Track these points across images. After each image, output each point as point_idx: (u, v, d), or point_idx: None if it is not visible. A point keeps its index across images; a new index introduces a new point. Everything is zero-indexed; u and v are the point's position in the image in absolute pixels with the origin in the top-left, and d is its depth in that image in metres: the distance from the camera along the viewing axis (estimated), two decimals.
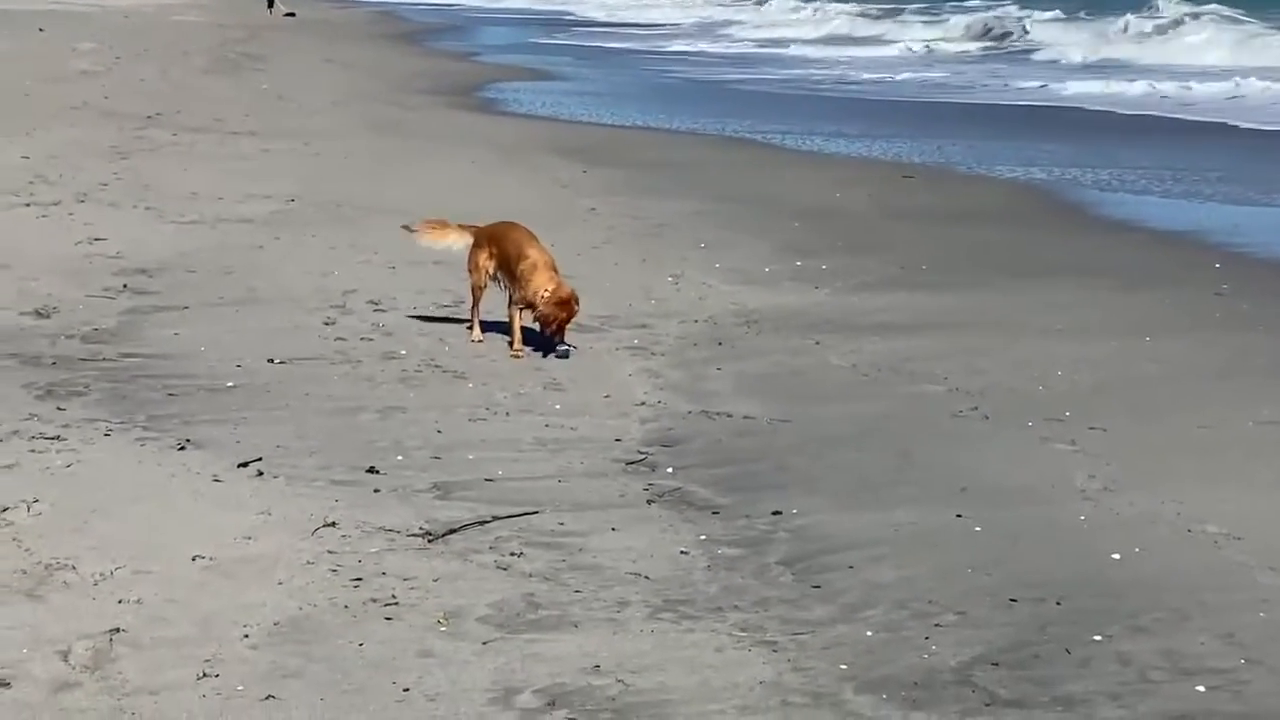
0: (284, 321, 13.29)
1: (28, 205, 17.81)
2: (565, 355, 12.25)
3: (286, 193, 19.45)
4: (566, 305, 12.21)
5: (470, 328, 12.92)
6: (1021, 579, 7.99)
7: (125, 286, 14.21)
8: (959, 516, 8.89)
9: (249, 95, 30.65)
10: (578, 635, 7.15)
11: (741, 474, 9.71)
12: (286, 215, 18.07)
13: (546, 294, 12.17)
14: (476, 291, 12.82)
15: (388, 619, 7.19)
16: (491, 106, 32.33)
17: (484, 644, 6.99)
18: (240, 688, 6.45)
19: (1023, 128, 30.15)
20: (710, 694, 6.60)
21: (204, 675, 6.54)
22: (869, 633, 7.30)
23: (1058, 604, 7.68)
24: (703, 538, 8.56)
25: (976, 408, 11.19)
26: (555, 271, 12.45)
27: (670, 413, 11.04)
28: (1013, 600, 7.70)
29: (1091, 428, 10.65)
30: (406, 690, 6.50)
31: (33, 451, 9.35)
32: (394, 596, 7.45)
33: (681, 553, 8.31)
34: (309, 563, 7.82)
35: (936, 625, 7.38)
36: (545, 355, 12.33)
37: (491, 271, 12.64)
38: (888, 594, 7.76)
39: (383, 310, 13.74)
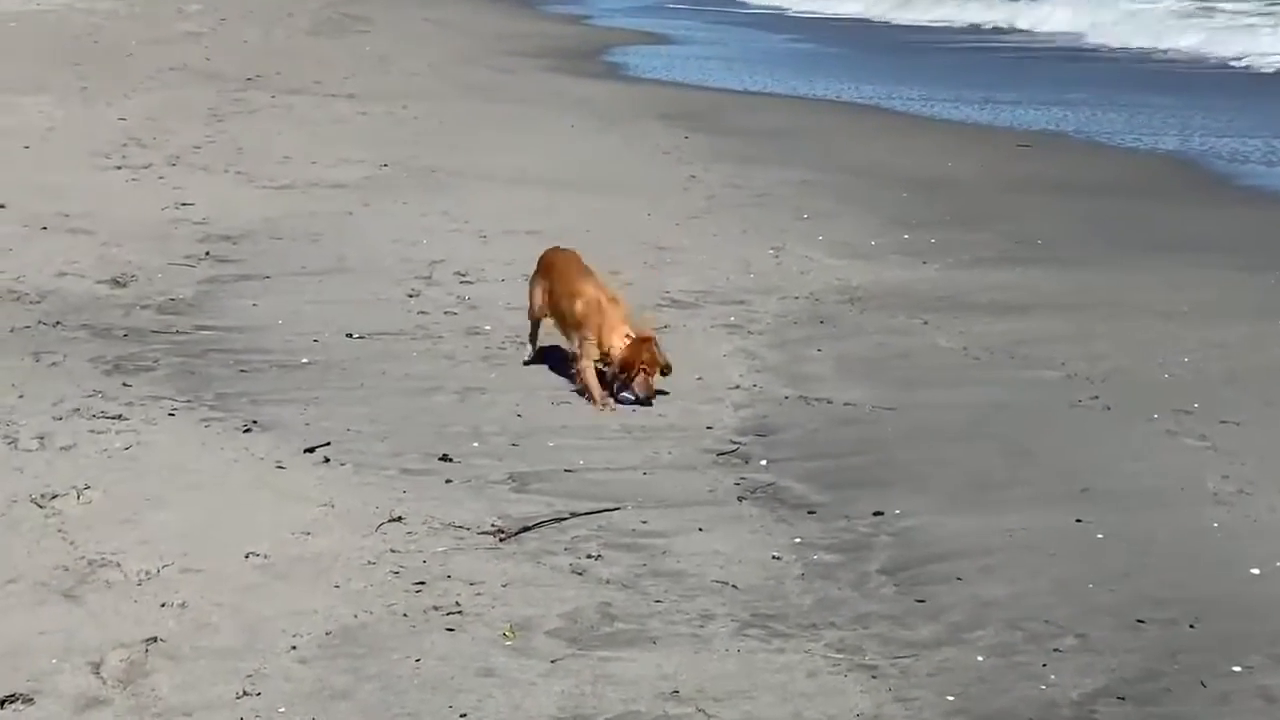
0: (367, 293, 12.74)
1: (118, 168, 17.41)
2: (630, 401, 10.05)
3: (380, 158, 18.93)
4: (647, 346, 10.04)
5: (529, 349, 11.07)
6: (1149, 596, 7.24)
7: (208, 254, 13.74)
8: (1079, 521, 8.14)
9: (350, 57, 30.18)
10: (656, 653, 6.49)
11: (841, 468, 9.02)
12: (379, 181, 17.54)
13: (623, 340, 10.05)
14: (530, 330, 11.10)
15: (449, 630, 6.58)
16: (598, 71, 31.69)
17: (553, 662, 6.35)
18: (282, 709, 5.87)
19: (1155, 89, 29.05)
20: None
21: (244, 694, 5.96)
22: (979, 658, 6.59)
23: (1190, 627, 6.93)
24: (797, 541, 7.88)
25: (1097, 397, 10.41)
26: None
27: (766, 398, 10.35)
28: (1140, 622, 6.96)
29: (1223, 421, 9.86)
30: (463, 716, 5.89)
31: (92, 432, 8.84)
32: (458, 604, 6.83)
33: (773, 558, 7.64)
34: (369, 563, 7.22)
35: (1055, 650, 6.66)
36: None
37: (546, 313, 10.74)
38: (999, 612, 7.04)
39: (470, 282, 13.16)
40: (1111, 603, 7.16)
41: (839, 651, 6.61)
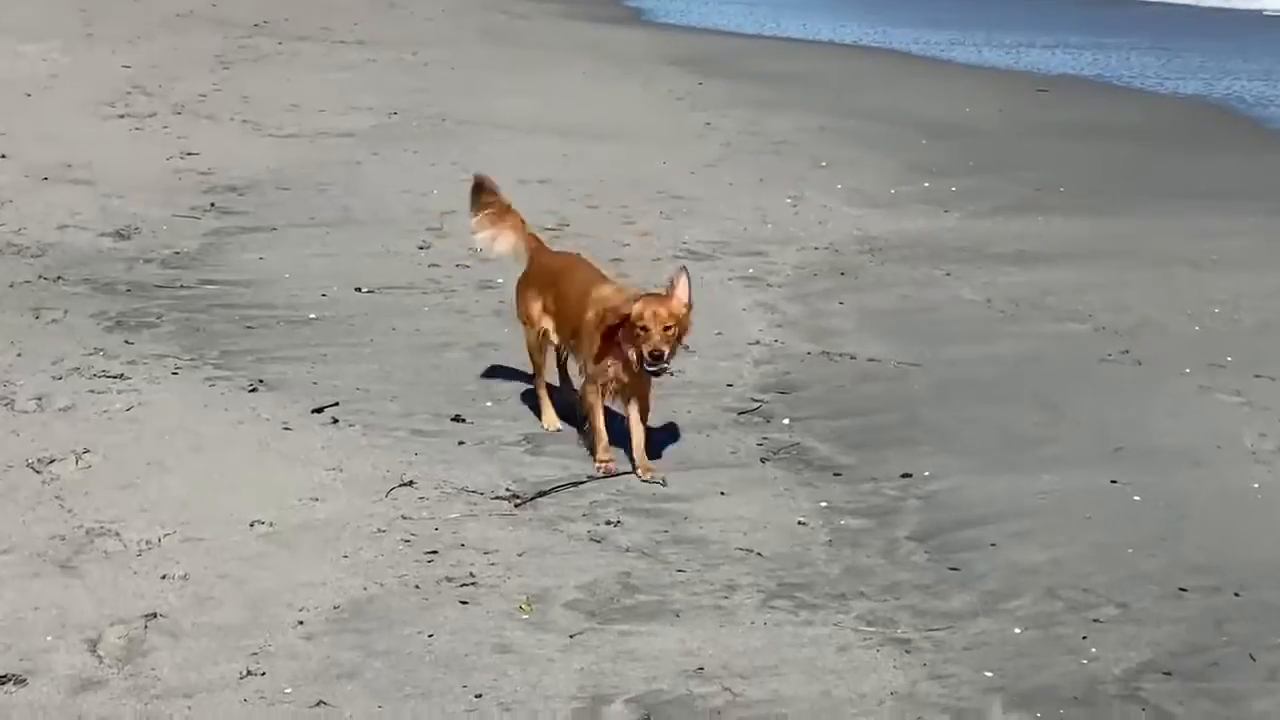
0: (376, 245, 12.43)
1: (122, 117, 17.07)
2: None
3: (390, 105, 18.59)
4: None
5: (541, 411, 8.57)
6: (1190, 562, 6.94)
7: (213, 205, 13.43)
8: (1114, 483, 7.84)
9: (359, 2, 29.74)
10: (679, 627, 6.20)
11: (867, 427, 8.71)
12: (388, 129, 17.19)
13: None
14: (534, 357, 8.63)
15: (463, 603, 6.29)
16: (616, 16, 31.28)
17: (571, 637, 6.07)
18: (288, 690, 5.58)
19: (1183, 33, 28.57)
20: (832, 708, 5.65)
21: (248, 673, 5.67)
22: (1017, 630, 6.30)
23: (1235, 595, 6.63)
24: (823, 505, 7.58)
25: (1127, 351, 10.10)
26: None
27: (787, 354, 10.05)
28: (1182, 590, 6.66)
29: (1258, 375, 9.56)
30: (479, 697, 5.60)
31: (92, 392, 8.54)
32: (472, 575, 6.55)
33: (799, 523, 7.34)
34: (379, 531, 6.93)
35: (1095, 621, 6.36)
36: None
37: (547, 330, 8.49)
38: (1037, 580, 6.75)
39: None
40: (1152, 569, 6.86)
41: (869, 624, 6.32)
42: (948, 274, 12.05)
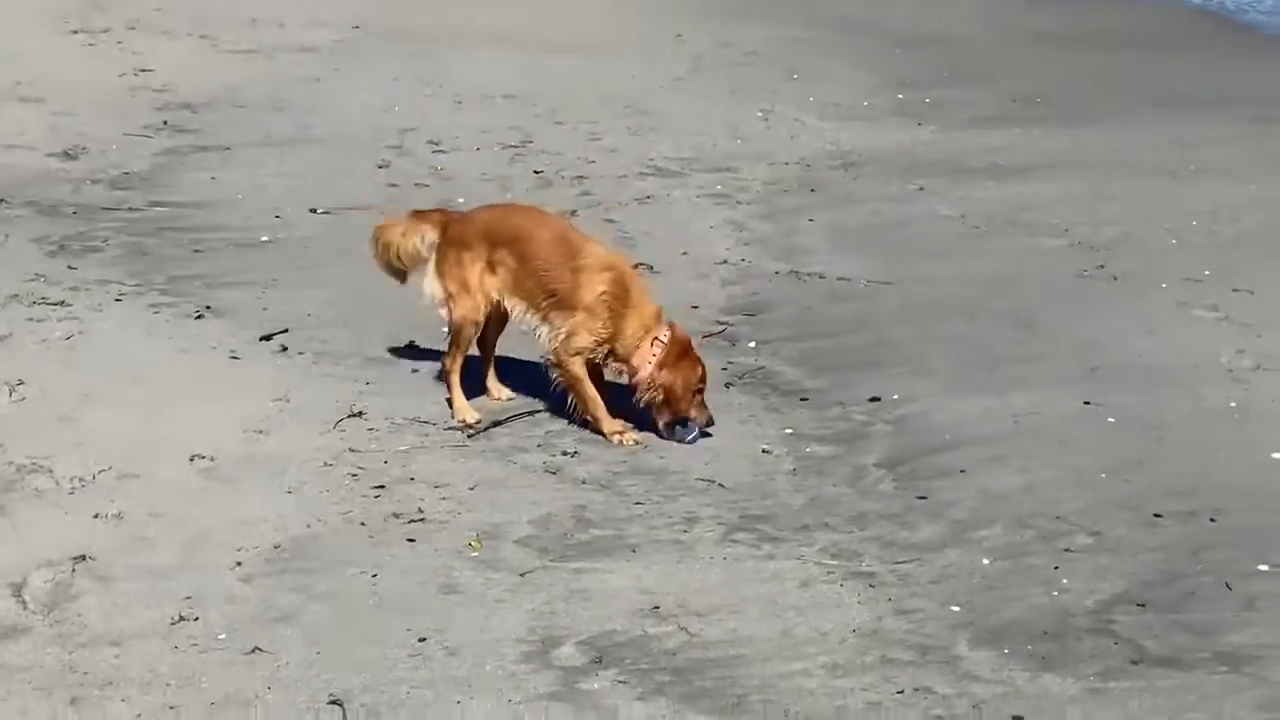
0: (334, 164, 12.07)
1: (75, 33, 16.59)
2: (696, 439, 7.22)
3: (352, 18, 18.10)
4: (692, 358, 7.23)
5: (452, 400, 7.44)
6: (1165, 486, 6.70)
7: (166, 124, 13.04)
8: (1088, 404, 7.59)
9: None
10: (635, 563, 5.95)
11: (835, 349, 8.44)
12: (349, 44, 16.74)
13: (654, 348, 7.18)
14: (465, 332, 7.47)
15: (410, 541, 6.03)
16: None
17: (521, 576, 5.81)
18: (222, 636, 5.33)
19: None
20: (793, 647, 5.40)
21: (180, 619, 5.41)
22: (986, 561, 6.06)
23: (1211, 521, 6.40)
24: (788, 432, 7.32)
25: (1103, 266, 9.83)
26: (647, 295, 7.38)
27: (756, 273, 9.76)
28: (1157, 516, 6.42)
29: (1235, 289, 9.30)
30: (422, 640, 5.35)
31: (31, 320, 8.24)
32: (421, 510, 6.28)
33: (763, 452, 7.08)
34: (326, 465, 6.66)
35: (1067, 551, 6.13)
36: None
37: (496, 297, 7.42)
38: (1007, 507, 6.50)
39: (443, 151, 12.50)
40: (1126, 495, 6.62)
41: (834, 557, 6.07)
42: (921, 189, 11.75)
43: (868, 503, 6.56)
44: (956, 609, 5.67)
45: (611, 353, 7.24)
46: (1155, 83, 15.53)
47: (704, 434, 7.16)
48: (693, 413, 7.15)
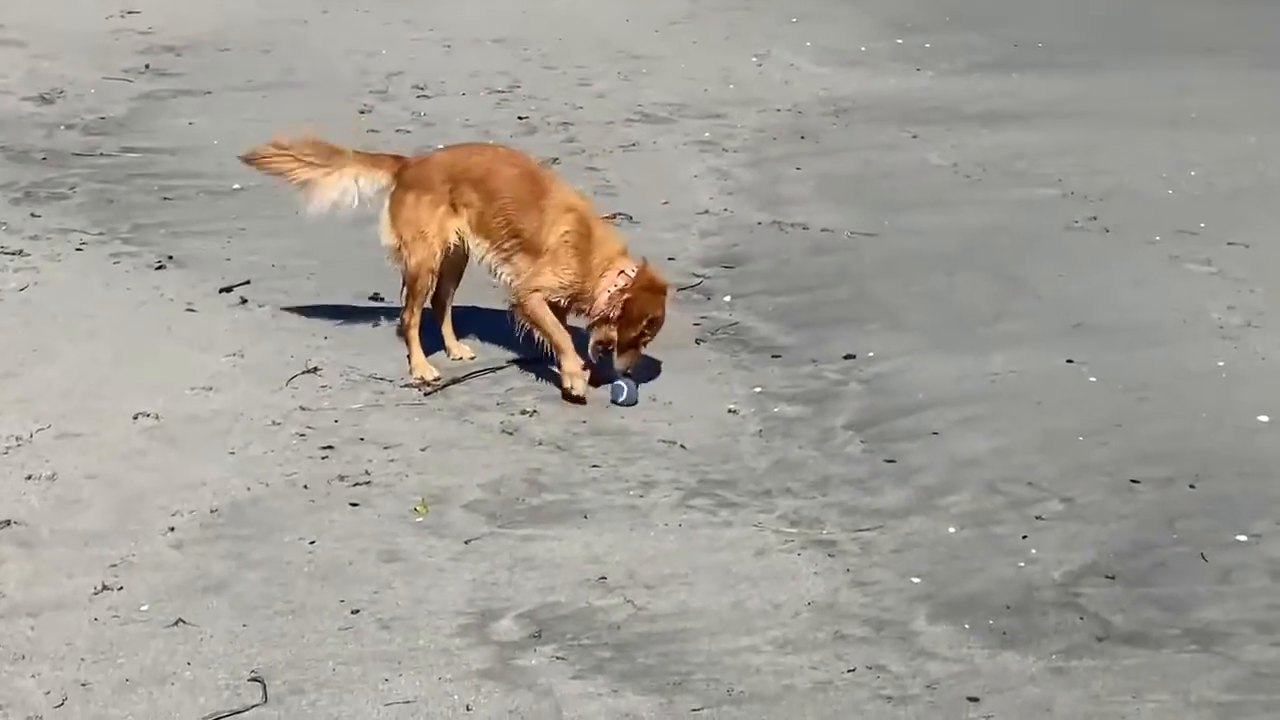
0: (315, 110, 11.76)
1: None
2: (626, 399, 6.95)
3: None
4: (659, 295, 7.03)
5: (410, 356, 7.17)
6: (1144, 451, 6.46)
7: (147, 67, 12.77)
8: (1069, 363, 7.34)
9: None
10: (586, 530, 5.73)
11: (813, 303, 8.20)
12: None
13: (619, 279, 6.96)
14: (421, 281, 7.16)
15: (353, 505, 5.81)
16: None
17: (466, 543, 5.60)
18: (145, 607, 5.12)
19: None
20: (743, 621, 5.18)
21: (103, 588, 5.20)
22: (951, 529, 5.83)
23: (1191, 487, 6.15)
24: (757, 391, 7.09)
25: (1095, 217, 9.55)
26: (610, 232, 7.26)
27: (737, 224, 9.50)
28: (1134, 482, 6.18)
29: (1230, 243, 9.02)
30: (355, 613, 5.14)
31: None
32: (367, 473, 6.06)
33: (729, 412, 6.85)
34: (274, 424, 6.44)
35: (1037, 519, 5.89)
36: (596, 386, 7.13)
37: (456, 241, 7.16)
38: (977, 472, 6.27)
39: (427, 96, 12.22)
40: (1103, 459, 6.38)
41: (793, 524, 5.84)
42: (914, 137, 11.45)
43: (833, 466, 6.33)
44: (917, 580, 5.45)
45: (576, 294, 7.00)
46: (1159, 27, 15.17)
47: (632, 397, 6.87)
48: (621, 359, 6.87)
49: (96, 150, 10.50)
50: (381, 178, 7.24)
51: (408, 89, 12.45)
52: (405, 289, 7.18)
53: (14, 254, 8.28)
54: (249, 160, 7.51)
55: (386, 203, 7.20)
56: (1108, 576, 5.49)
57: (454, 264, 7.19)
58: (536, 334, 6.99)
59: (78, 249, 8.47)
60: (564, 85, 12.69)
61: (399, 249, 7.14)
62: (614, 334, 6.91)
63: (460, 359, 7.29)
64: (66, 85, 12.04)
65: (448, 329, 7.39)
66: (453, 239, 7.11)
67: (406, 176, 7.20)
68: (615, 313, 6.89)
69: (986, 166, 10.69)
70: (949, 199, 10.04)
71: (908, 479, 6.20)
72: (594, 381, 7.01)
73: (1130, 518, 5.89)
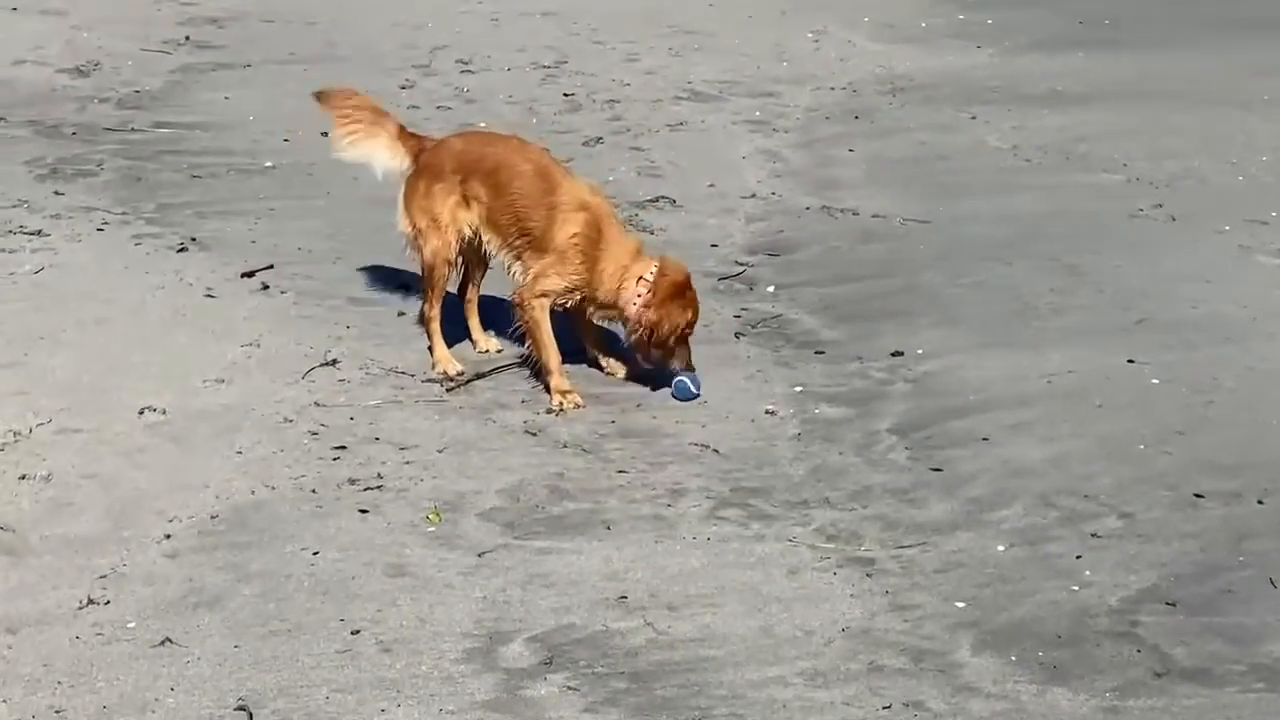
0: (357, 83, 11.36)
1: None
2: (689, 395, 6.63)
3: None
4: (685, 299, 6.63)
5: (432, 349, 6.86)
6: (1209, 461, 6.04)
7: (188, 39, 12.47)
8: (1131, 362, 6.92)
9: None
10: (608, 543, 5.37)
11: (861, 295, 7.80)
12: None
13: (639, 287, 6.57)
14: (439, 271, 6.83)
15: (362, 512, 5.47)
16: None
17: (479, 556, 5.25)
18: (131, 624, 4.80)
19: None
20: (771, 649, 4.81)
21: (88, 602, 4.89)
22: (1000, 547, 5.43)
23: (1259, 503, 5.74)
24: (798, 390, 6.71)
25: (1161, 205, 9.10)
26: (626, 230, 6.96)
27: (784, 208, 9.11)
28: (1198, 496, 5.77)
29: None
30: (355, 633, 4.81)
31: (2, 251, 7.72)
32: (380, 476, 5.73)
33: (767, 413, 6.47)
34: (286, 421, 6.12)
35: (1094, 536, 5.49)
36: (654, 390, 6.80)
37: (469, 233, 6.81)
38: (1030, 483, 5.87)
39: (471, 71, 11.87)
40: (1165, 469, 5.97)
41: (830, 539, 5.46)
42: (973, 117, 11.01)
43: (875, 475, 5.94)
44: (961, 605, 5.06)
45: (588, 298, 6.64)
46: (1232, 5, 14.61)
47: (694, 391, 6.50)
48: (673, 363, 6.53)
49: (128, 125, 10.22)
50: (404, 159, 6.94)
51: (452, 63, 12.12)
52: (423, 278, 6.84)
53: (33, 234, 8.00)
54: (319, 98, 7.27)
55: (402, 187, 6.88)
56: (1168, 604, 5.08)
57: (477, 253, 6.83)
58: (527, 340, 6.63)
59: (99, 229, 8.19)
60: (612, 61, 12.32)
61: (415, 237, 6.82)
62: (653, 347, 6.58)
63: (486, 352, 6.95)
64: (104, 57, 11.77)
65: (474, 320, 7.05)
66: (466, 231, 6.76)
67: (421, 161, 6.89)
68: (646, 334, 6.51)
69: (1047, 149, 10.26)
70: (1007, 183, 9.62)
71: (955, 490, 5.81)
72: (635, 377, 6.72)
73: (1194, 537, 5.48)
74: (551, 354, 6.54)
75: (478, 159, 6.78)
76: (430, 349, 6.78)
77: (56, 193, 8.76)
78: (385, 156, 6.99)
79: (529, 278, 6.61)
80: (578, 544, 5.33)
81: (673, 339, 6.51)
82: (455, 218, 6.73)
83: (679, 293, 6.54)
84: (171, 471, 5.65)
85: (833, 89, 11.76)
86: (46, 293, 7.22)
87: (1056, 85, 11.89)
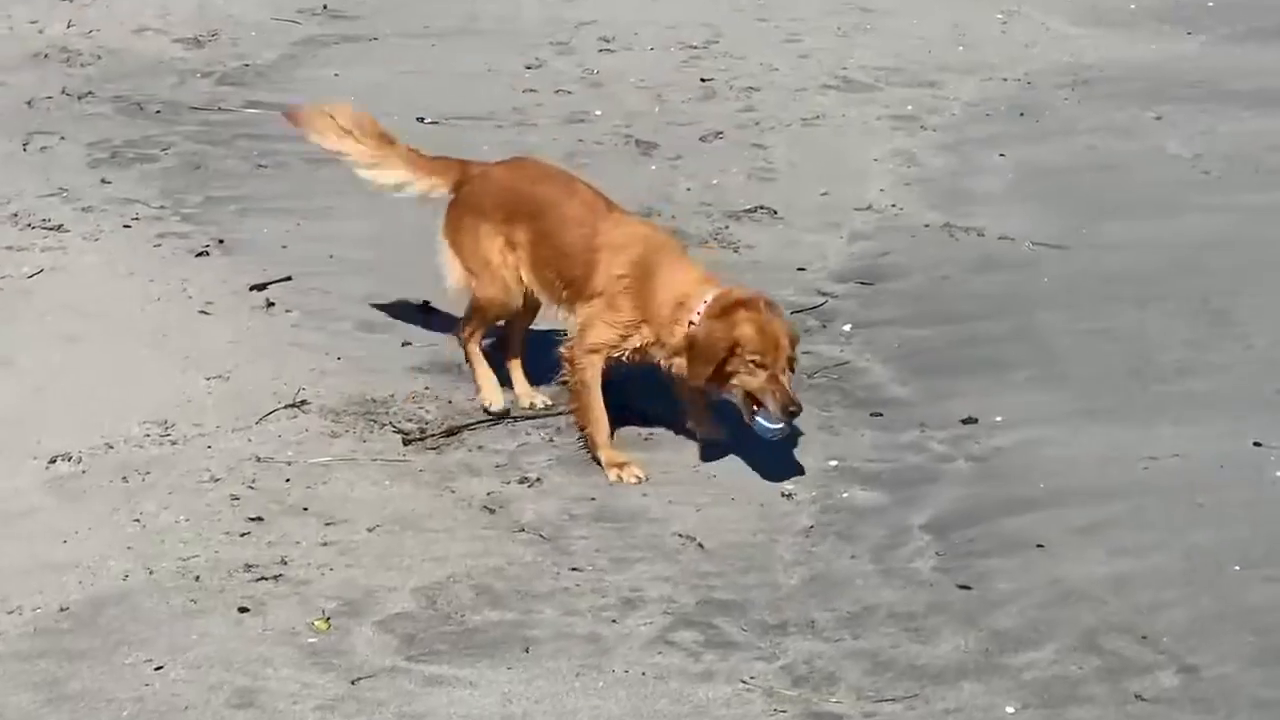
0: (480, 62, 10.63)
1: None
2: (766, 434, 5.49)
3: None
4: (738, 316, 5.49)
5: (477, 378, 6.04)
6: None
7: (325, 8, 11.78)
8: (1257, 445, 5.65)
9: None
10: (515, 672, 4.39)
11: (952, 339, 6.66)
12: None
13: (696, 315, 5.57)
14: (491, 312, 6.06)
15: (242, 610, 4.58)
16: None
17: (352, 684, 4.31)
18: None
19: None
20: None
21: None
22: (1009, 709, 4.29)
23: None
24: (832, 465, 5.62)
25: None
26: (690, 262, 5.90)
27: (899, 224, 7.99)
28: None
29: None
30: None
31: (9, 249, 7.08)
32: (284, 561, 4.83)
33: (783, 495, 5.39)
34: (212, 480, 5.28)
35: (1137, 699, 4.33)
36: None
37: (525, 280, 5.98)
38: (1079, 613, 4.69)
39: (611, 50, 10.95)
40: (1258, 605, 4.73)
41: (796, 683, 4.38)
42: (1158, 118, 9.68)
43: (885, 590, 4.83)
44: None
45: (650, 344, 5.63)
46: None
47: (771, 429, 5.39)
48: (768, 401, 5.37)
49: (217, 104, 9.55)
50: (438, 186, 6.14)
51: (592, 41, 11.20)
52: (469, 309, 6.02)
53: (53, 229, 7.38)
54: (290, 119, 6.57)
55: (443, 222, 6.05)
56: None
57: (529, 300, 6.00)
58: (573, 403, 5.70)
59: (126, 225, 7.53)
60: (768, 42, 11.29)
61: (467, 282, 6.01)
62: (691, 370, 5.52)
63: (529, 406, 5.97)
64: (229, 26, 11.16)
65: (517, 368, 6.15)
66: (522, 276, 5.95)
67: (464, 194, 6.05)
68: (686, 349, 5.48)
69: (1233, 159, 8.92)
70: (1173, 201, 8.32)
71: (978, 618, 4.67)
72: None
73: (1269, 708, 4.26)
74: (599, 426, 5.62)
75: (520, 201, 5.96)
76: (474, 379, 5.91)
77: (103, 181, 8.14)
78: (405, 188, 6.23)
79: (577, 330, 5.72)
80: (479, 672, 4.36)
81: (722, 361, 5.40)
82: (506, 261, 5.93)
83: (732, 309, 5.46)
84: (47, 544, 4.85)
85: (1005, 80, 10.53)
86: (26, 303, 6.55)
87: (1266, 83, 10.44)
